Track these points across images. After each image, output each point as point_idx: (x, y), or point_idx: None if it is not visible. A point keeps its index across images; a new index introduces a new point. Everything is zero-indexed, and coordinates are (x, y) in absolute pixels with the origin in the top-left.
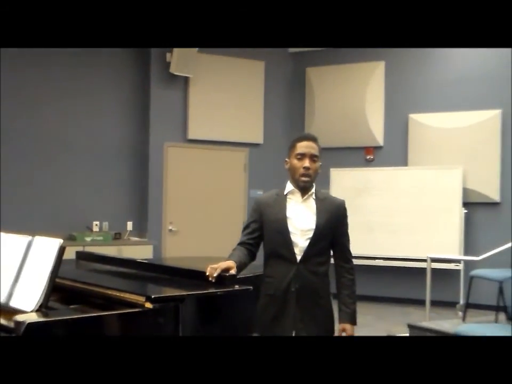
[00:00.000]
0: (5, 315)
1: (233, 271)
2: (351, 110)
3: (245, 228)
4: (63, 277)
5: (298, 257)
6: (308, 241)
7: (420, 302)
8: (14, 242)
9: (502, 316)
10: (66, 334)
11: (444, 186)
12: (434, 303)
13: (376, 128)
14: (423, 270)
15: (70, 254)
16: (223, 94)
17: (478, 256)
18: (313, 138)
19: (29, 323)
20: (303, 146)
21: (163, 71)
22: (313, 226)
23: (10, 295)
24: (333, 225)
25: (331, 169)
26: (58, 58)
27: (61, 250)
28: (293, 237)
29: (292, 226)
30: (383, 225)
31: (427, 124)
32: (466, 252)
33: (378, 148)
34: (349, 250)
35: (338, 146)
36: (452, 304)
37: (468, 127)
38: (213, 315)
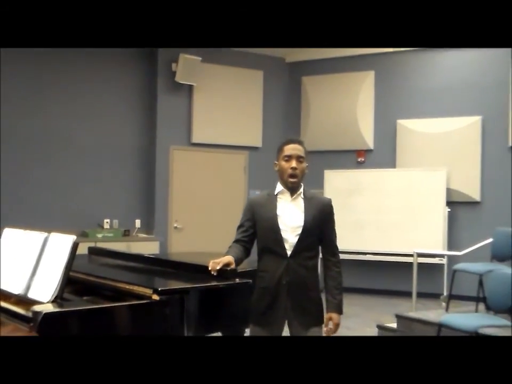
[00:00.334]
0: (24, 305)
1: (233, 266)
2: (343, 116)
3: (239, 226)
4: (77, 270)
5: (289, 252)
6: (297, 237)
7: (407, 294)
8: (32, 238)
9: (481, 306)
10: (79, 323)
11: (429, 187)
12: (420, 295)
13: (366, 133)
14: (409, 264)
15: (82, 249)
16: (225, 101)
17: (460, 251)
18: (298, 141)
19: (45, 313)
20: (289, 149)
21: (169, 79)
22: (302, 224)
23: (28, 287)
24: (320, 222)
25: (325, 170)
26: (76, 72)
27: (75, 246)
28: (284, 234)
29: (282, 223)
30: (373, 222)
31: (414, 129)
32: (449, 247)
33: (368, 151)
34: (336, 245)
35: (331, 150)
36: (436, 296)
37: (451, 132)
38: (215, 306)
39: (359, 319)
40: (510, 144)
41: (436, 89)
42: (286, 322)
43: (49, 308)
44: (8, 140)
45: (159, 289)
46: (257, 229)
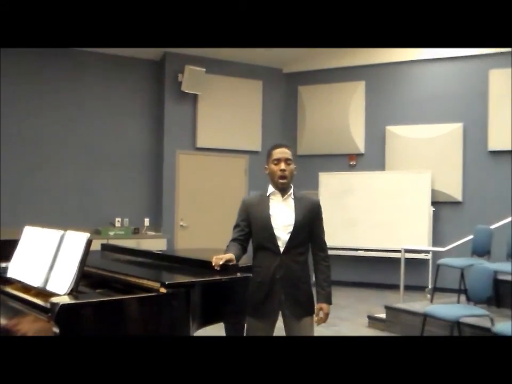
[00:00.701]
0: (42, 297)
1: (233, 262)
2: (336, 123)
3: (235, 226)
4: (90, 265)
5: (281, 249)
6: (289, 235)
7: (395, 287)
8: (49, 235)
9: (462, 298)
10: (93, 314)
11: (415, 188)
12: (407, 288)
13: (357, 138)
14: (398, 260)
15: (96, 246)
16: (227, 109)
17: (444, 247)
18: (286, 145)
19: (62, 304)
20: (278, 153)
21: (175, 89)
22: (293, 222)
23: (46, 280)
24: (309, 220)
25: (319, 173)
26: (92, 88)
27: (89, 242)
28: (276, 232)
29: (274, 222)
30: (364, 221)
31: (401, 134)
32: (434, 244)
33: (360, 155)
34: (324, 241)
35: (325, 154)
36: (421, 288)
37: (435, 138)
38: (218, 298)
39: (352, 310)
40: (489, 149)
41: (421, 98)
42: (280, 313)
43: (66, 300)
44: (30, 141)
45: (166, 283)
46: (252, 227)
